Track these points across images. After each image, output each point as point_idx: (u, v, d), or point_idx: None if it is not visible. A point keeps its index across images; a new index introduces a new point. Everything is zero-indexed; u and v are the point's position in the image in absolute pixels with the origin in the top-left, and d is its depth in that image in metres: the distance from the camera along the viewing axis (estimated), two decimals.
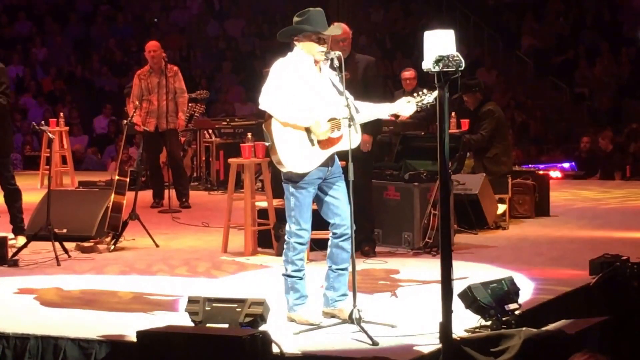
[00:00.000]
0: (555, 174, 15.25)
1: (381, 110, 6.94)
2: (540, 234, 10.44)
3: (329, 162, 6.66)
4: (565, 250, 9.46)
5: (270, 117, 6.58)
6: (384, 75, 16.75)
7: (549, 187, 11.81)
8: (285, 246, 6.73)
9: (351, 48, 8.86)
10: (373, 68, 8.96)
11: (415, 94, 6.87)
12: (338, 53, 6.62)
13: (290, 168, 6.58)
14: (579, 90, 20.37)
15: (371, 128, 8.46)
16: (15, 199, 9.49)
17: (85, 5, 23.73)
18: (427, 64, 5.78)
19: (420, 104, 6.82)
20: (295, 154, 6.55)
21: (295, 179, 6.61)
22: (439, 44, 5.76)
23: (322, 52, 6.62)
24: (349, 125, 6.48)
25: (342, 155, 6.66)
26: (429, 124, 12.16)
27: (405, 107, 6.84)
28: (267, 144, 6.66)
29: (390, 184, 9.66)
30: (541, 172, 12.53)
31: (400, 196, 9.57)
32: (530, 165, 14.45)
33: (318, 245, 8.64)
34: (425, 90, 6.83)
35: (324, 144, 6.60)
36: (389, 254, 9.25)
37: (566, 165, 16.38)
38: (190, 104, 14.20)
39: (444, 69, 5.74)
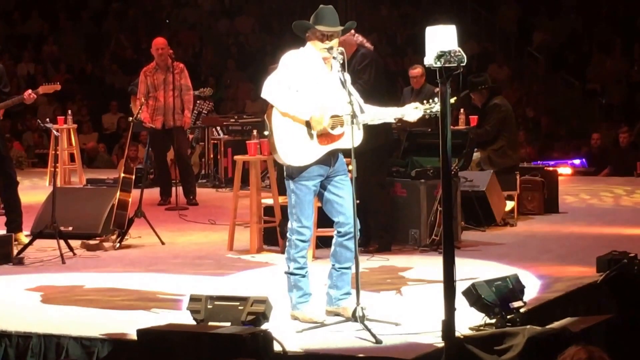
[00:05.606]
0: (565, 170, 15.18)
1: (387, 113, 6.88)
2: (548, 231, 10.37)
3: (330, 160, 6.60)
4: (573, 247, 9.39)
5: (271, 106, 6.55)
6: (392, 71, 16.72)
7: (557, 184, 11.75)
8: (287, 244, 6.68)
9: (357, 46, 8.91)
10: (358, 59, 8.90)
11: (425, 101, 6.82)
12: (341, 49, 6.59)
13: (286, 160, 6.54)
14: (591, 86, 20.26)
15: None
16: (16, 197, 9.60)
17: (97, 3, 23.74)
18: (429, 60, 5.74)
19: (429, 111, 6.77)
20: (292, 146, 6.51)
21: (295, 174, 6.56)
22: (441, 40, 5.71)
23: (326, 49, 6.58)
24: (352, 123, 6.44)
25: (347, 153, 6.62)
26: (436, 120, 12.07)
27: (411, 112, 6.80)
28: (266, 133, 6.63)
29: (396, 181, 9.63)
30: (550, 168, 12.46)
31: (407, 193, 9.55)
32: (539, 162, 14.37)
33: (324, 243, 8.60)
34: (436, 99, 6.75)
35: (324, 140, 6.55)
36: (396, 251, 9.20)
37: (577, 161, 16.29)
38: (198, 102, 14.19)
39: (446, 65, 5.69)
